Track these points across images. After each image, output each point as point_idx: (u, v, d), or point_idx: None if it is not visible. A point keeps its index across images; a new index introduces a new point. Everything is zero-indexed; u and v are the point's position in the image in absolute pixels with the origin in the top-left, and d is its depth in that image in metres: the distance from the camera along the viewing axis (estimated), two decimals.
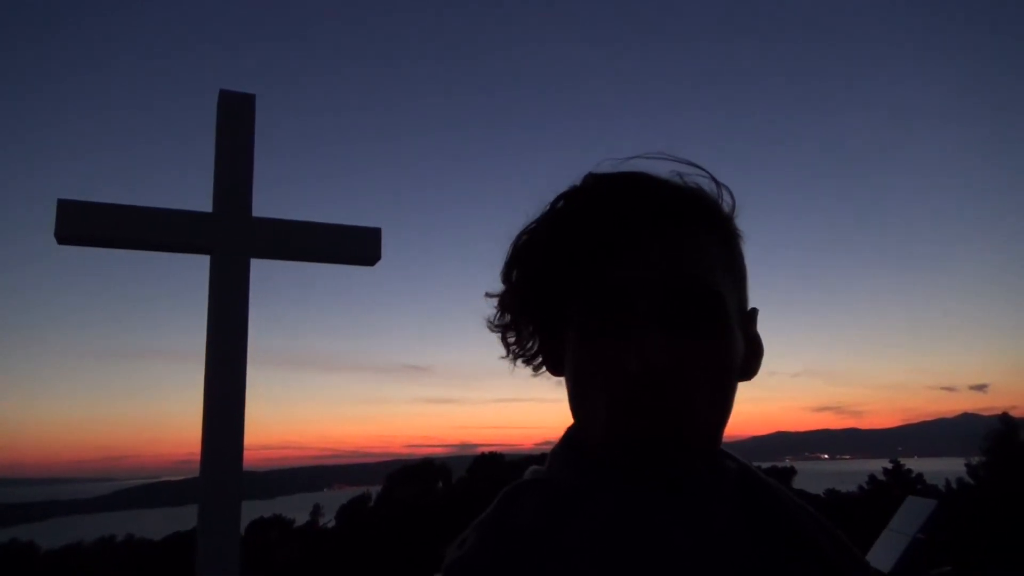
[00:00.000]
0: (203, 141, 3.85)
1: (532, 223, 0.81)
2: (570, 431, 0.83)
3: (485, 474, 27.59)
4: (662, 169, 0.80)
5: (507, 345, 0.85)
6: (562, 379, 0.82)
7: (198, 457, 3.23)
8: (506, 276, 0.83)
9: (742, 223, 0.84)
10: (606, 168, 0.81)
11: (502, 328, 0.85)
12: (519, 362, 0.86)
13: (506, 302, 0.84)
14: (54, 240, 3.29)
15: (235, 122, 3.63)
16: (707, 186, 0.81)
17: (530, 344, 0.84)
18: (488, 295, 0.85)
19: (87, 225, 3.34)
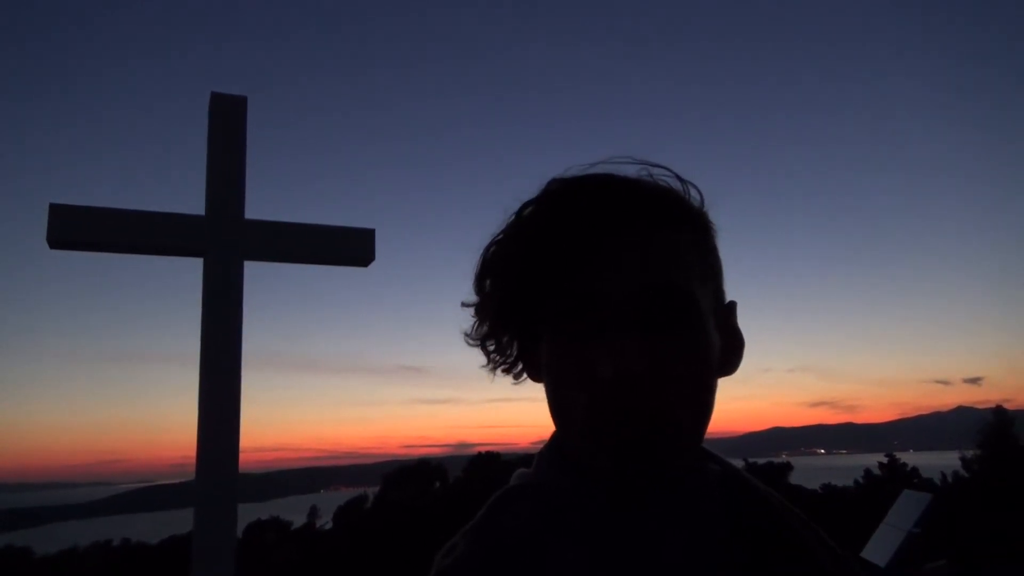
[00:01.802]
0: (195, 144, 3.84)
1: (500, 231, 0.81)
2: (557, 433, 0.83)
3: (482, 474, 27.54)
4: (627, 172, 0.81)
5: (487, 354, 0.85)
6: (542, 385, 0.82)
7: (193, 460, 3.21)
8: (479, 286, 0.83)
9: (724, 219, 0.84)
10: (571, 173, 0.81)
11: (480, 339, 0.85)
12: (500, 371, 0.86)
13: (482, 312, 0.84)
14: (46, 244, 3.28)
15: (227, 124, 3.61)
16: (673, 184, 0.81)
17: (509, 352, 0.85)
18: (464, 304, 0.85)
19: (79, 229, 3.32)
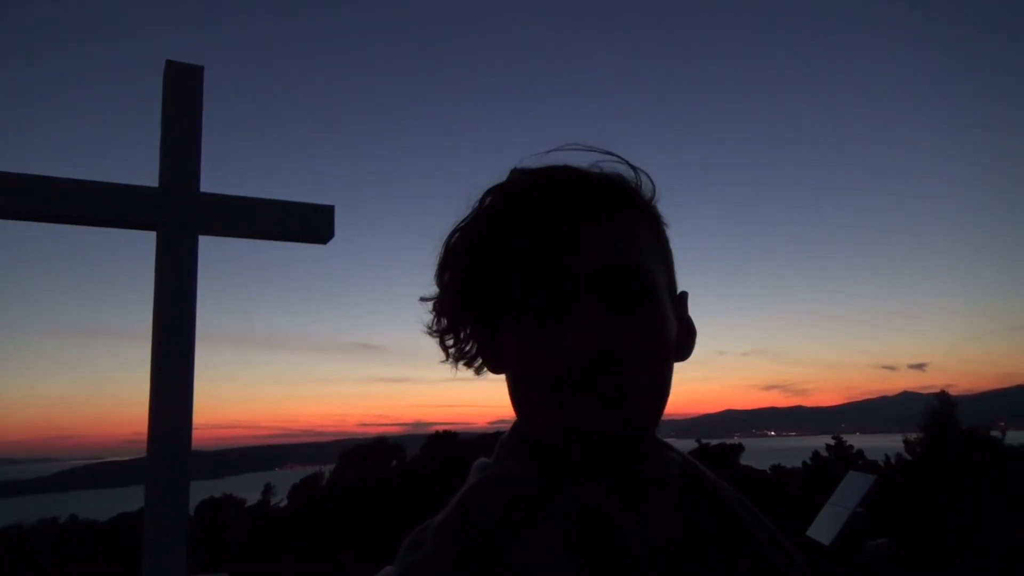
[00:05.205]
0: (149, 113, 3.73)
1: (462, 222, 0.81)
2: (519, 422, 0.83)
3: (439, 453, 27.59)
4: (581, 159, 0.82)
5: (446, 349, 0.85)
6: (503, 377, 0.82)
7: (145, 436, 3.16)
8: (440, 278, 0.83)
9: (681, 209, 0.86)
10: (529, 163, 0.82)
11: (440, 333, 0.85)
12: (460, 364, 0.86)
13: (442, 305, 0.84)
14: None
15: (182, 94, 3.51)
16: (626, 173, 0.83)
17: (469, 346, 0.84)
18: (423, 299, 0.85)
19: (25, 198, 3.21)
